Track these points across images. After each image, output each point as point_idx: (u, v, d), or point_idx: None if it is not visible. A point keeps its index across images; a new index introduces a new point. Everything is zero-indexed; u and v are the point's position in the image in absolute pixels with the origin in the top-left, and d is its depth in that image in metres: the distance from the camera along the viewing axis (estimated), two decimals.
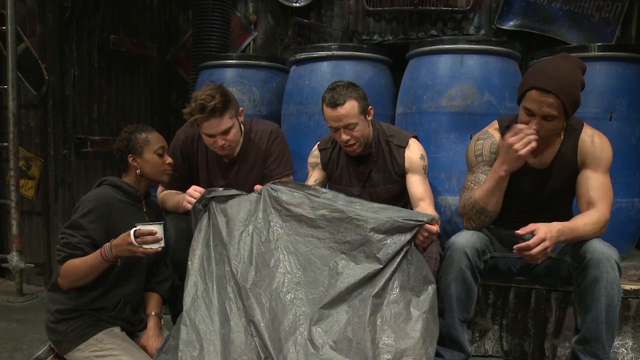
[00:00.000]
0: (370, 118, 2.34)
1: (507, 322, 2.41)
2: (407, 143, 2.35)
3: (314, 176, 2.51)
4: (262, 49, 4.35)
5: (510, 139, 1.88)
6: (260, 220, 2.05)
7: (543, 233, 1.78)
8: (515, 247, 1.81)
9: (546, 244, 1.77)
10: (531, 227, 1.81)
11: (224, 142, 2.25)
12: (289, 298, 1.88)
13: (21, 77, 3.45)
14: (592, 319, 1.85)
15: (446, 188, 2.72)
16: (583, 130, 2.02)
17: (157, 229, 1.82)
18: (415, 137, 2.42)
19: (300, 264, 1.95)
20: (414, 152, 2.34)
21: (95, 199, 1.93)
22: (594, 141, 2.00)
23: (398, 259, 1.88)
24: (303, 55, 3.09)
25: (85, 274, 1.85)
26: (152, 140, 2.05)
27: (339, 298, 1.86)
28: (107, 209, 1.93)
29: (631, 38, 3.51)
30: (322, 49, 3.07)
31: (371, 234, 1.90)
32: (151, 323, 2.06)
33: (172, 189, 2.41)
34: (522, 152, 1.85)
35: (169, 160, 2.08)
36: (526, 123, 1.91)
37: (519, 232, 1.83)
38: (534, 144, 1.86)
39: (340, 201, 2.02)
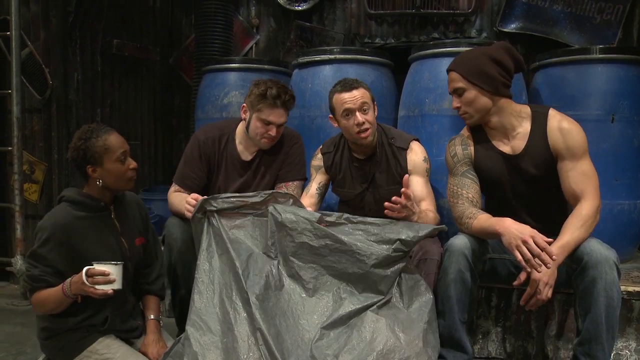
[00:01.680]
0: (376, 114, 2.38)
1: (509, 324, 2.41)
2: (408, 145, 2.37)
3: (317, 179, 2.51)
4: (264, 53, 4.36)
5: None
6: (269, 245, 2.04)
7: (546, 278, 1.83)
8: (527, 307, 1.89)
9: (550, 282, 1.84)
10: (524, 275, 1.86)
11: (276, 133, 2.34)
12: (292, 322, 1.89)
13: (25, 82, 3.47)
14: (591, 320, 1.84)
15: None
16: (550, 116, 2.05)
17: (112, 270, 1.72)
18: (417, 140, 2.43)
19: (305, 291, 1.96)
20: (417, 154, 2.36)
21: (51, 225, 1.79)
22: (562, 128, 2.01)
23: (397, 283, 1.94)
24: (305, 59, 3.10)
25: (54, 306, 1.79)
26: (112, 146, 1.83)
27: (340, 321, 1.88)
28: (65, 234, 1.79)
29: (633, 40, 3.52)
30: (324, 52, 3.07)
31: (372, 269, 1.91)
32: (150, 328, 1.99)
33: (186, 189, 2.42)
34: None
35: (132, 164, 1.88)
36: (454, 105, 2.13)
37: (516, 283, 1.88)
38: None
39: (345, 228, 2.01)
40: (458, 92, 2.09)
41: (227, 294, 1.95)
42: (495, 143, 2.13)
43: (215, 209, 2.05)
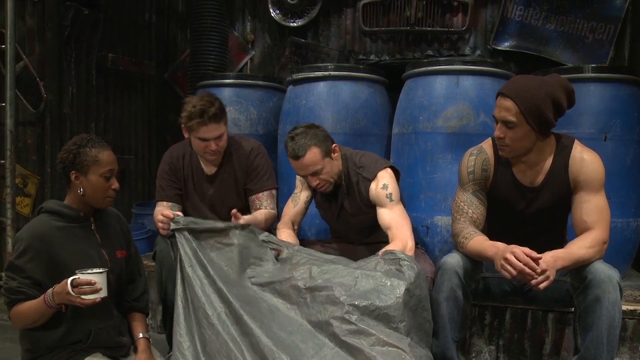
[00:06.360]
0: (336, 155, 2.32)
1: (503, 342, 2.40)
2: (374, 176, 2.29)
3: (304, 194, 2.51)
4: (259, 69, 4.38)
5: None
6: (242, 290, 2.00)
7: (545, 265, 1.75)
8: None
9: (548, 274, 1.75)
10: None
11: (216, 147, 2.33)
12: None
13: (19, 95, 3.46)
14: (592, 339, 1.83)
15: (442, 208, 2.72)
16: (573, 148, 2.01)
17: (97, 278, 1.69)
18: (390, 167, 2.34)
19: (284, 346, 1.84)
20: (377, 182, 2.28)
21: (29, 235, 1.76)
22: (583, 159, 1.97)
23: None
24: (300, 75, 3.10)
25: (35, 319, 1.75)
26: (102, 160, 1.83)
27: None
28: (43, 244, 1.76)
29: (624, 59, 3.55)
30: (319, 69, 3.08)
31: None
32: (141, 346, 1.95)
33: (169, 200, 2.48)
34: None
35: (114, 185, 1.87)
36: (498, 134, 1.97)
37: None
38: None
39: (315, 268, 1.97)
40: (508, 125, 1.93)
41: (202, 311, 1.92)
42: (515, 172, 2.08)
43: (180, 228, 2.03)
